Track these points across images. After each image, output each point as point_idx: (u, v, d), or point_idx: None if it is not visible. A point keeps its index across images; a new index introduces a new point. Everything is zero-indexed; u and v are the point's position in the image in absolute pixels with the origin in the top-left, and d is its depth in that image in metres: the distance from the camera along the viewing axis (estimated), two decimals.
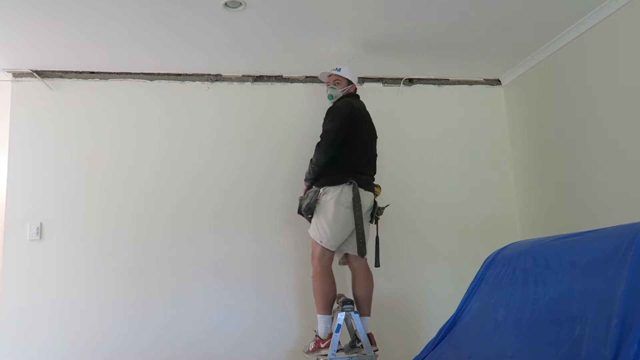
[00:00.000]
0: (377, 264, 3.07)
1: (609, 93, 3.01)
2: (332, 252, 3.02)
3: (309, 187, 3.12)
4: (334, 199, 2.94)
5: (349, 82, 3.19)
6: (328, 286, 2.99)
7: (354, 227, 2.95)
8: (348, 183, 2.94)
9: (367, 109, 3.20)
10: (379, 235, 3.12)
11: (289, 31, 3.18)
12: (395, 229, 3.73)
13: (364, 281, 3.05)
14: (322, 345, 2.93)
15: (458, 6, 2.94)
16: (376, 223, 3.13)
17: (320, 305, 2.99)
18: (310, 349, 3.00)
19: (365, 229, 3.01)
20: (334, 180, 2.98)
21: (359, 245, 2.93)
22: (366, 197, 3.01)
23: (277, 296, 3.58)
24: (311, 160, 3.07)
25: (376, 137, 3.23)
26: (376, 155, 3.21)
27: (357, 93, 3.26)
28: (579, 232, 2.06)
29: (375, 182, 3.12)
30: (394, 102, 3.95)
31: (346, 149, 3.00)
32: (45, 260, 3.42)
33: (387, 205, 3.17)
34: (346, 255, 3.09)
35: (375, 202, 3.10)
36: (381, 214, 3.12)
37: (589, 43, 3.16)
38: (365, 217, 3.03)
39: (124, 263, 3.47)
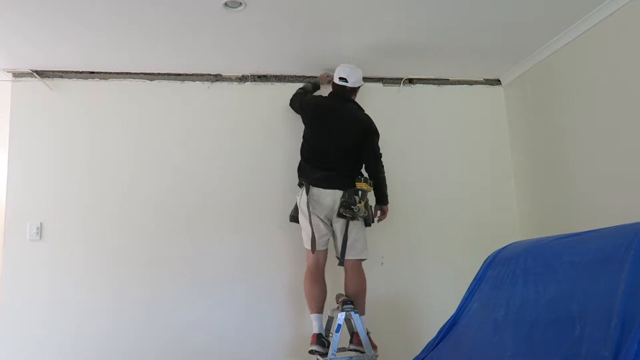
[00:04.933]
0: (340, 262, 3.04)
1: (609, 93, 3.01)
2: (320, 252, 3.09)
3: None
4: (298, 203, 3.14)
5: (332, 83, 3.35)
6: (315, 286, 3.08)
7: (333, 226, 3.09)
8: (303, 184, 3.11)
9: (366, 108, 3.27)
10: (348, 234, 3.03)
11: (288, 31, 3.18)
12: (395, 229, 3.73)
13: (350, 281, 3.08)
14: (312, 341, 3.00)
15: (458, 6, 2.94)
16: (343, 218, 3.02)
17: (308, 305, 3.10)
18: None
19: (336, 227, 3.07)
20: (299, 183, 3.20)
21: (311, 242, 3.01)
22: (325, 196, 3.04)
23: (274, 295, 3.57)
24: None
25: (344, 137, 3.17)
26: (348, 150, 3.16)
27: (352, 95, 3.33)
28: (579, 232, 2.06)
29: (364, 177, 3.10)
30: (394, 102, 3.95)
31: (303, 146, 3.25)
32: (45, 260, 3.41)
33: (359, 203, 3.05)
34: None
35: (342, 199, 3.01)
36: (354, 212, 2.98)
37: (589, 43, 3.15)
38: (332, 215, 3.05)
39: (124, 263, 3.47)
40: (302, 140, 3.32)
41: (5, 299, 3.35)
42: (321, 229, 3.06)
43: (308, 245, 3.07)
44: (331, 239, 3.17)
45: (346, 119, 3.21)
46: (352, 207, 2.99)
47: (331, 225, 3.11)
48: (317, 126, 3.26)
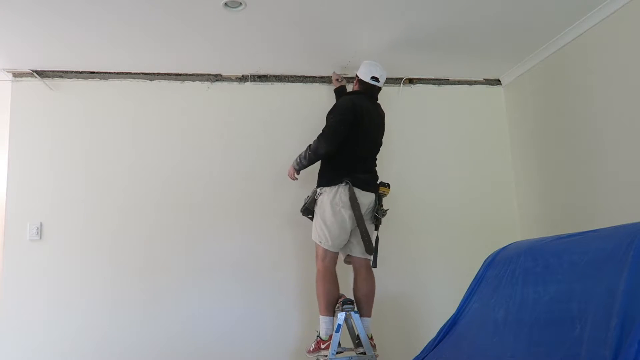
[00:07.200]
0: (374, 265, 3.03)
1: (609, 93, 3.01)
2: (335, 253, 3.03)
3: (296, 171, 3.16)
4: (330, 200, 2.96)
5: (360, 81, 3.18)
6: (330, 287, 2.99)
7: (354, 227, 2.96)
8: (344, 183, 2.95)
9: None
10: (379, 236, 3.09)
11: (289, 31, 3.18)
12: (395, 229, 3.72)
13: (363, 282, 3.05)
14: (323, 347, 2.93)
15: (458, 6, 2.94)
16: (377, 223, 3.10)
17: (323, 306, 2.99)
18: (312, 348, 3.00)
19: (368, 228, 3.00)
20: (329, 180, 3.01)
21: (365, 244, 2.92)
22: (364, 197, 3.00)
23: (279, 295, 3.58)
24: (309, 146, 3.09)
25: (379, 138, 3.22)
26: (376, 156, 3.21)
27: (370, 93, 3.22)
28: (579, 232, 2.06)
29: (384, 181, 3.13)
30: (394, 102, 3.95)
31: (344, 148, 3.02)
32: (45, 260, 3.42)
33: (387, 209, 3.13)
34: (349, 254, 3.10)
35: (377, 202, 3.08)
36: (383, 215, 3.09)
37: (589, 43, 3.15)
38: (366, 217, 3.03)
39: (124, 262, 3.47)
40: (343, 144, 3.01)
41: (5, 299, 3.35)
42: (349, 229, 2.99)
43: (327, 245, 2.97)
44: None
45: (380, 120, 3.24)
46: (382, 210, 3.08)
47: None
48: (364, 128, 3.05)
